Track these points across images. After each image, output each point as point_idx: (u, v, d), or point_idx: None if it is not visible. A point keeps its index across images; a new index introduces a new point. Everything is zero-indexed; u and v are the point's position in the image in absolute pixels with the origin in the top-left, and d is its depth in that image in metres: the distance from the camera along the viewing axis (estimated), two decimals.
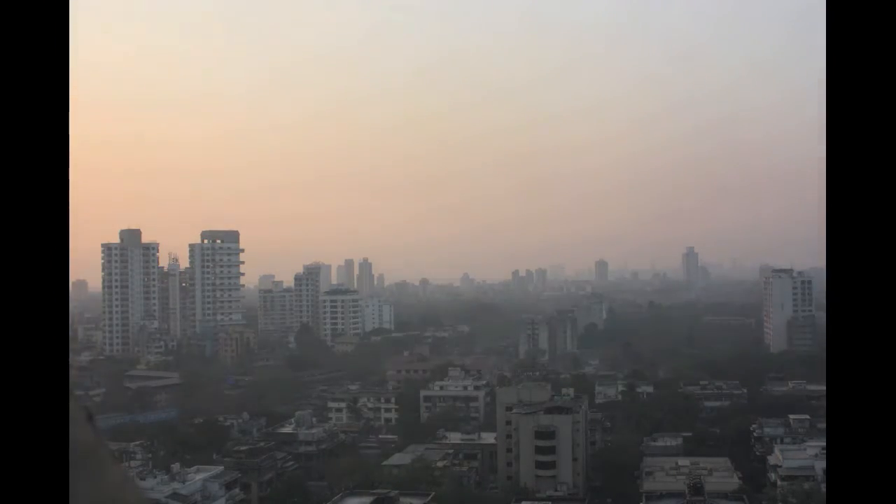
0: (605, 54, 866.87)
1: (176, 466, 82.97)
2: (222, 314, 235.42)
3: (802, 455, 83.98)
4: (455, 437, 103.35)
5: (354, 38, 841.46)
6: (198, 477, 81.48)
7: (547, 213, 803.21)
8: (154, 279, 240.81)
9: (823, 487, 61.57)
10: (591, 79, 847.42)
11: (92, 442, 2.39)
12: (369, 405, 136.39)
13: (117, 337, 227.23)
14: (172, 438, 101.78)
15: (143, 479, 76.63)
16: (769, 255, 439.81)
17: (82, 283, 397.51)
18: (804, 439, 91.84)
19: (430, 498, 75.95)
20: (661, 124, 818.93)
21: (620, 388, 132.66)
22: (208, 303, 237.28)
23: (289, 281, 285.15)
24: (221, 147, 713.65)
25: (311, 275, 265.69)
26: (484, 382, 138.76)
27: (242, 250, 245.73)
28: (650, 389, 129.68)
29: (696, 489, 72.83)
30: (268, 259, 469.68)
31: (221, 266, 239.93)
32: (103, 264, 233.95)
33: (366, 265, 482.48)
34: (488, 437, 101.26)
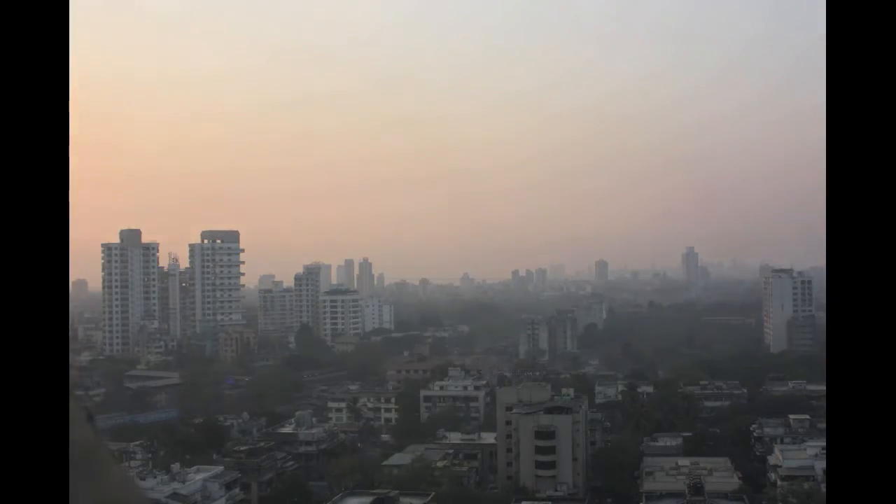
0: (603, 53, 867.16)
1: (176, 466, 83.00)
2: (222, 314, 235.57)
3: (802, 455, 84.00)
4: (455, 437, 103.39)
5: (353, 35, 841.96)
6: (198, 477, 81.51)
7: (547, 213, 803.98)
8: (154, 279, 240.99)
9: (823, 487, 61.63)
10: (591, 78, 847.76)
11: (92, 442, 2.39)
12: (369, 405, 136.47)
13: (117, 337, 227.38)
14: (172, 438, 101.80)
15: (143, 479, 76.64)
16: (769, 255, 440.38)
17: (82, 283, 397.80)
18: (804, 439, 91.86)
19: (430, 498, 75.97)
20: (661, 123, 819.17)
21: (620, 388, 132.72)
22: (208, 303, 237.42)
23: (289, 281, 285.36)
24: (221, 147, 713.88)
25: (311, 275, 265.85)
26: (484, 382, 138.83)
27: (242, 250, 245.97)
28: (650, 389, 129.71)
29: (696, 489, 72.85)
30: (268, 259, 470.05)
31: (221, 266, 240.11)
32: (103, 264, 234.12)
33: (366, 265, 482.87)
34: (488, 437, 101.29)
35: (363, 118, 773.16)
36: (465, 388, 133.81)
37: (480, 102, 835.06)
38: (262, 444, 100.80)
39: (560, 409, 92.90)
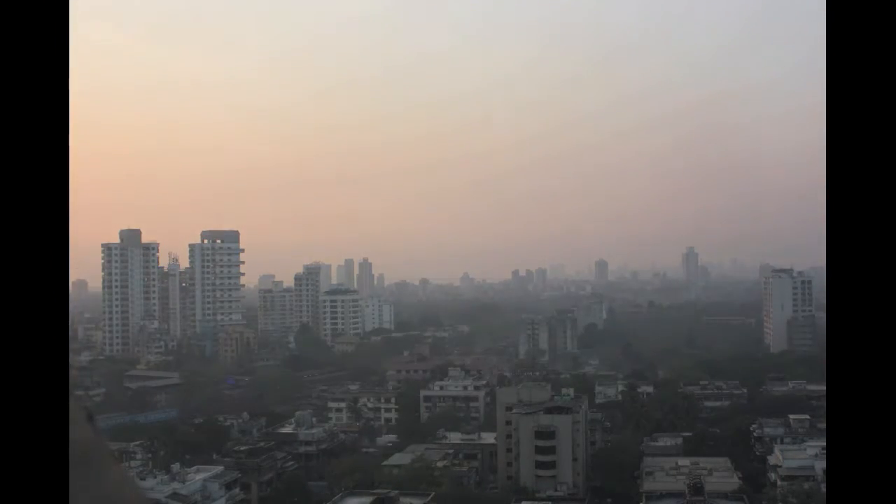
0: (604, 56, 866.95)
1: (176, 466, 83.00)
2: (222, 314, 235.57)
3: (802, 455, 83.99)
4: (455, 437, 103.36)
5: (355, 34, 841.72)
6: (198, 477, 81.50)
7: (547, 212, 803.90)
8: (154, 279, 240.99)
9: (823, 487, 61.61)
10: (592, 81, 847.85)
11: (92, 442, 2.39)
12: (369, 405, 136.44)
13: (117, 337, 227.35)
14: (172, 438, 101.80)
15: (143, 479, 76.63)
16: (769, 255, 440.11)
17: (82, 283, 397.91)
18: (804, 439, 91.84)
19: (430, 498, 75.96)
20: (661, 123, 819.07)
21: (620, 388, 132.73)
22: (208, 303, 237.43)
23: (289, 281, 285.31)
24: (222, 147, 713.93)
25: (311, 275, 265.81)
26: (484, 382, 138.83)
27: (242, 250, 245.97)
28: (650, 389, 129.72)
29: (696, 489, 72.83)
30: (268, 259, 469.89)
31: (221, 266, 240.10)
32: (103, 264, 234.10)
33: (366, 265, 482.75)
34: (488, 437, 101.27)
35: (363, 118, 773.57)
36: (465, 388, 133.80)
37: (480, 102, 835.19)
38: (262, 444, 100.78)
39: (560, 409, 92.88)
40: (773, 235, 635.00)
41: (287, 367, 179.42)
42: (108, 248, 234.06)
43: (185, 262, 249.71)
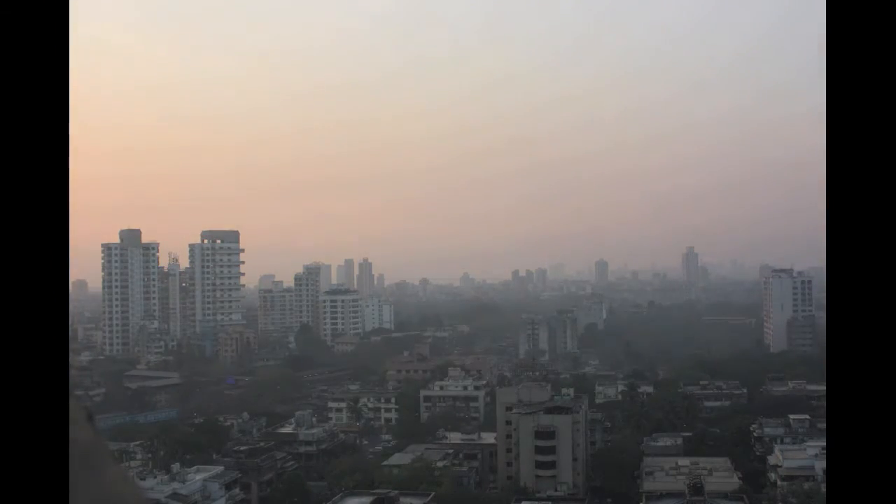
0: (602, 51, 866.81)
1: (176, 466, 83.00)
2: (222, 314, 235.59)
3: (802, 455, 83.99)
4: (455, 437, 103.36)
5: (356, 32, 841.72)
6: (198, 477, 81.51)
7: (547, 213, 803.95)
8: (154, 279, 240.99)
9: (823, 487, 61.63)
10: (590, 77, 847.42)
11: (92, 442, 2.39)
12: (369, 405, 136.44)
13: (117, 337, 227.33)
14: (172, 438, 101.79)
15: (143, 479, 76.65)
16: (769, 255, 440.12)
17: (82, 283, 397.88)
18: (804, 439, 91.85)
19: (430, 498, 75.97)
20: (661, 123, 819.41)
21: (620, 388, 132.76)
22: (208, 303, 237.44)
23: (289, 281, 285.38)
24: (222, 147, 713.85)
25: (311, 275, 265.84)
26: (484, 382, 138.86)
27: (242, 250, 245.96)
28: (650, 389, 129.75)
29: (696, 489, 72.81)
30: (268, 259, 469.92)
31: (221, 266, 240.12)
32: (103, 264, 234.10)
33: (366, 265, 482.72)
34: (488, 437, 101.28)
35: (363, 118, 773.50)
36: (465, 388, 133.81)
37: (480, 103, 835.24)
38: (262, 444, 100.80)
39: (560, 409, 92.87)
40: (773, 235, 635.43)
41: (287, 367, 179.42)
42: (108, 248, 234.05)
43: (185, 262, 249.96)
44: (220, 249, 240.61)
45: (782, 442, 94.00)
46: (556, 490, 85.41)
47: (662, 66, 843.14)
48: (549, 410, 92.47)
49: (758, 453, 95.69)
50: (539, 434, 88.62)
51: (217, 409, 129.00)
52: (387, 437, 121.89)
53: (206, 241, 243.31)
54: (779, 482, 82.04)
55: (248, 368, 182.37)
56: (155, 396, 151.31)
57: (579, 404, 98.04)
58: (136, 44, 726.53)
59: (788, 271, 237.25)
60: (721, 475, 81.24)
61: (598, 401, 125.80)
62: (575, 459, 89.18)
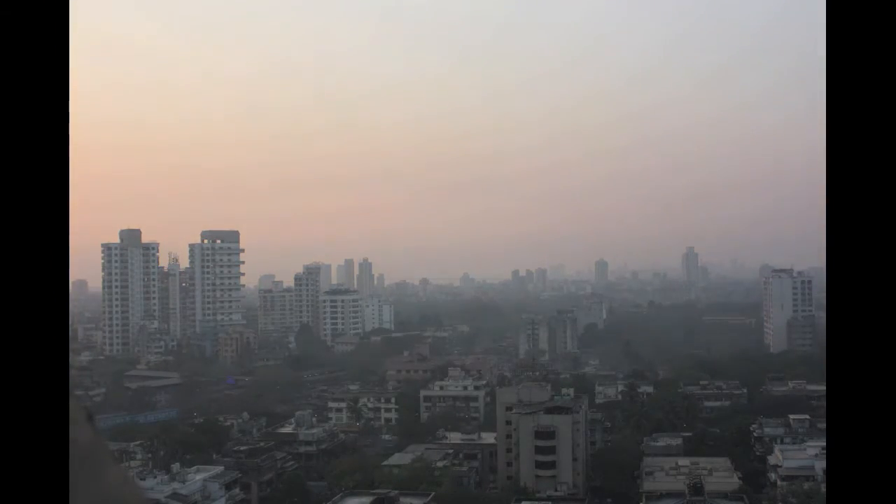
0: (601, 51, 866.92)
1: (176, 466, 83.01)
2: (222, 314, 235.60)
3: (802, 455, 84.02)
4: (455, 437, 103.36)
5: (359, 35, 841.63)
6: (198, 477, 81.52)
7: (547, 213, 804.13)
8: (154, 279, 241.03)
9: (823, 487, 61.61)
10: (590, 76, 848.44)
11: (92, 442, 2.39)
12: (369, 405, 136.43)
13: (117, 337, 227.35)
14: (172, 438, 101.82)
15: (143, 479, 76.65)
16: (769, 255, 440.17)
17: (82, 283, 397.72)
18: (804, 439, 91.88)
19: (430, 498, 75.97)
20: (661, 123, 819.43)
21: (620, 388, 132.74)
22: (208, 303, 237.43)
23: (289, 281, 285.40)
24: (222, 147, 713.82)
25: (311, 275, 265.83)
26: (484, 382, 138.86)
27: (242, 250, 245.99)
28: (650, 389, 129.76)
29: (696, 489, 72.81)
30: (268, 259, 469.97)
31: (221, 266, 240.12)
32: (103, 264, 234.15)
33: (366, 265, 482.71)
34: (488, 437, 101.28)
35: (364, 119, 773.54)
36: (465, 388, 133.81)
37: (477, 104, 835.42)
38: (262, 444, 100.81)
39: (560, 409, 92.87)
40: (773, 235, 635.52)
41: (287, 367, 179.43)
42: (108, 248, 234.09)
43: (185, 262, 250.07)
44: (220, 249, 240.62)
45: (782, 442, 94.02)
46: (556, 490, 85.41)
47: (662, 68, 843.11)
48: (549, 410, 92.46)
49: (758, 453, 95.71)
50: (539, 434, 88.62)
51: (217, 409, 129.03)
52: (387, 437, 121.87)
53: (206, 241, 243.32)
54: (779, 482, 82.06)
55: (248, 368, 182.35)
56: (155, 396, 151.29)
57: (579, 404, 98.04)
58: (137, 43, 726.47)
59: (788, 271, 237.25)
60: (721, 475, 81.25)
61: (598, 401, 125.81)
62: (575, 459, 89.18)
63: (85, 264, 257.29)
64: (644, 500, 75.56)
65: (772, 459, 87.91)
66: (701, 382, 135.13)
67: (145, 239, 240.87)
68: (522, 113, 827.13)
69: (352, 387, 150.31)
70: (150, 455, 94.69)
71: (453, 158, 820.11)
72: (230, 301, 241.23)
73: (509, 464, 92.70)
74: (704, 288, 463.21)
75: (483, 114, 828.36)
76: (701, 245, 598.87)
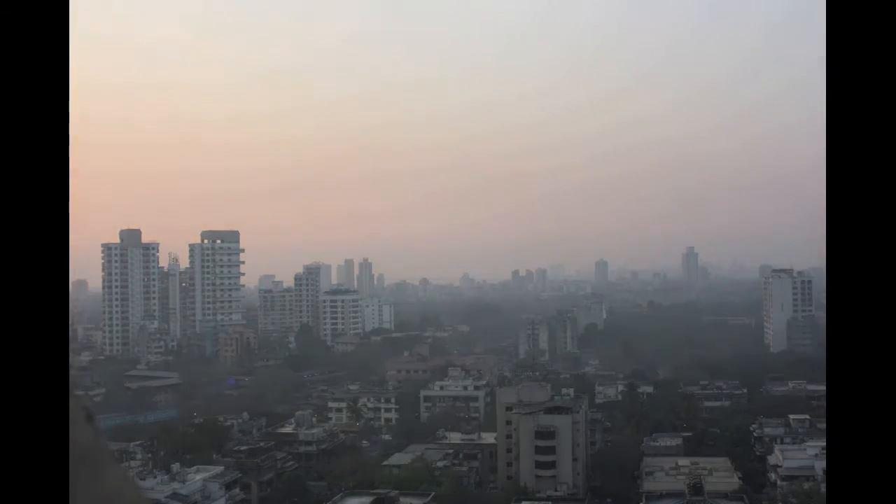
0: (603, 54, 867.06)
1: (176, 466, 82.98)
2: (222, 314, 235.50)
3: (802, 455, 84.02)
4: (455, 437, 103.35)
5: (359, 36, 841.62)
6: (198, 477, 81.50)
7: (547, 212, 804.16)
8: (154, 279, 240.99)
9: (823, 487, 61.59)
10: (591, 79, 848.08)
11: (92, 442, 2.39)
12: (369, 405, 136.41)
13: (117, 337, 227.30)
14: (172, 438, 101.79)
15: (143, 479, 76.62)
16: (769, 255, 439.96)
17: (82, 283, 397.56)
18: (804, 439, 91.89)
19: (430, 498, 75.97)
20: (662, 124, 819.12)
21: (620, 388, 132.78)
22: (208, 303, 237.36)
23: (289, 281, 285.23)
24: (222, 147, 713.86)
25: (311, 275, 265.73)
26: (484, 382, 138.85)
27: (242, 250, 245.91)
28: (650, 389, 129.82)
29: (696, 489, 72.82)
30: (268, 259, 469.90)
31: (221, 266, 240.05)
32: (103, 264, 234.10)
33: (366, 265, 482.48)
34: (488, 437, 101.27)
35: (364, 120, 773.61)
36: (465, 388, 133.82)
37: (477, 105, 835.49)
38: (262, 444, 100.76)
39: (560, 409, 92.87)
40: (773, 235, 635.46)
41: (287, 367, 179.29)
42: (108, 248, 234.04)
43: (185, 262, 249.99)
44: (220, 249, 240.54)
45: (782, 442, 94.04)
46: (556, 490, 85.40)
47: (664, 71, 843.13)
48: (549, 410, 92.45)
49: (758, 453, 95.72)
50: (539, 434, 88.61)
51: (217, 409, 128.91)
52: (387, 437, 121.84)
53: (206, 241, 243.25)
54: (779, 482, 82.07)
55: (248, 368, 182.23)
56: (155, 396, 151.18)
57: (579, 404, 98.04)
58: (138, 43, 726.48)
59: (788, 271, 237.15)
60: (721, 475, 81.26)
61: (598, 401, 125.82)
62: (575, 459, 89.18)
63: (85, 264, 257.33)
64: (644, 500, 75.56)
65: (772, 459, 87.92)
66: (701, 382, 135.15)
67: (145, 239, 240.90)
68: (523, 113, 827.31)
69: (352, 387, 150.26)
70: (150, 455, 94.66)
71: (453, 159, 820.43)
72: (230, 301, 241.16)
73: (509, 464, 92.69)
74: (704, 288, 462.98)
75: (483, 115, 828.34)
76: (701, 245, 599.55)
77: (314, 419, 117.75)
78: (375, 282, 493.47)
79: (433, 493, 77.33)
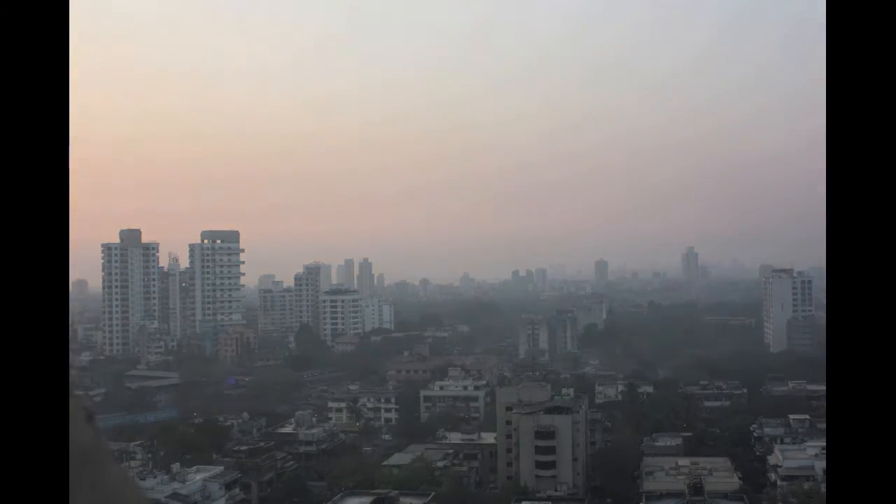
0: (606, 55, 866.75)
1: (176, 466, 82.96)
2: (222, 314, 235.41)
3: (802, 455, 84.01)
4: (455, 437, 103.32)
5: (357, 34, 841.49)
6: (198, 477, 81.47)
7: (547, 212, 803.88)
8: (154, 279, 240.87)
9: (823, 487, 61.60)
10: (592, 80, 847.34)
11: (92, 442, 2.39)
12: (369, 405, 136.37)
13: (117, 337, 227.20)
14: (172, 438, 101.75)
15: (143, 479, 76.59)
16: (769, 255, 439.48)
17: (82, 283, 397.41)
18: (804, 439, 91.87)
19: (430, 498, 75.95)
20: (662, 126, 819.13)
21: (620, 388, 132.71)
22: (208, 303, 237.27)
23: (289, 281, 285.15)
24: (222, 147, 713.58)
25: (311, 275, 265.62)
26: (484, 382, 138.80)
27: (242, 250, 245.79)
28: (650, 389, 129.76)
29: (696, 489, 72.79)
30: (268, 259, 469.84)
31: (221, 266, 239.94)
32: (103, 264, 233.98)
33: (366, 265, 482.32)
34: (488, 437, 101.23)
35: (364, 119, 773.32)
36: (465, 388, 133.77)
37: (482, 104, 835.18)
38: (262, 444, 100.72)
39: (560, 409, 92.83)
40: (773, 235, 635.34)
41: (287, 367, 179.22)
42: (108, 248, 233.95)
43: (185, 262, 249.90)
44: (220, 249, 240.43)
45: (782, 442, 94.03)
46: (556, 490, 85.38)
47: (665, 72, 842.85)
48: (549, 410, 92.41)
49: (758, 453, 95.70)
50: (539, 434, 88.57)
51: (217, 409, 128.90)
52: (387, 437, 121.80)
53: (206, 241, 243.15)
54: (779, 482, 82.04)
55: (248, 368, 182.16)
56: (155, 396, 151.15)
57: (579, 404, 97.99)
58: (138, 42, 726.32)
59: (788, 271, 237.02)
60: (721, 475, 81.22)
61: (598, 401, 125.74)
62: (575, 459, 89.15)
63: (85, 264, 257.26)
64: (644, 500, 75.53)
65: (772, 459, 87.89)
66: (701, 382, 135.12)
67: (145, 239, 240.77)
68: (522, 114, 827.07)
69: (352, 387, 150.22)
70: (150, 455, 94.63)
71: (453, 159, 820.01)
72: (230, 301, 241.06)
73: (509, 464, 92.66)
74: (704, 288, 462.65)
75: (483, 115, 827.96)
76: (701, 245, 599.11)
77: (314, 419, 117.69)
78: (375, 282, 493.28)
79: (433, 493, 77.32)
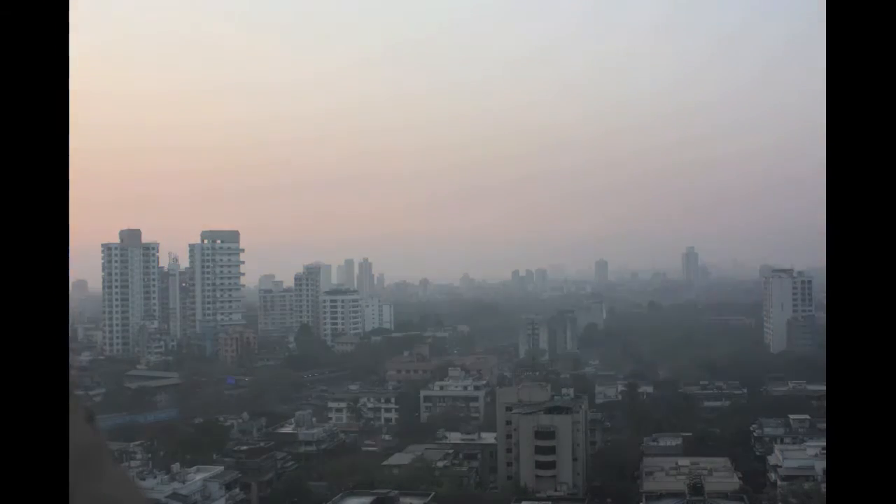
0: (605, 55, 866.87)
1: (176, 466, 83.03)
2: (222, 314, 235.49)
3: (802, 455, 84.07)
4: (455, 437, 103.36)
5: (360, 42, 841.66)
6: (198, 477, 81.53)
7: (547, 212, 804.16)
8: (154, 279, 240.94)
9: (823, 487, 61.61)
10: (592, 80, 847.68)
11: (92, 442, 2.39)
12: (369, 405, 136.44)
13: (117, 337, 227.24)
14: (172, 438, 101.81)
15: (143, 479, 76.65)
16: (769, 255, 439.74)
17: (82, 283, 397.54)
18: (804, 439, 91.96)
19: (430, 498, 76.02)
20: (662, 125, 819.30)
21: (620, 388, 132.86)
22: (208, 303, 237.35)
23: (289, 281, 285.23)
24: (222, 147, 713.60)
25: (311, 275, 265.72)
26: (484, 382, 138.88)
27: (242, 250, 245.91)
28: (650, 389, 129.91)
29: (696, 489, 72.86)
30: (268, 259, 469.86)
31: (221, 266, 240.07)
32: (103, 264, 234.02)
33: (366, 265, 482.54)
34: (488, 437, 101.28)
35: (364, 120, 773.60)
36: (465, 388, 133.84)
37: (476, 105, 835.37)
38: (262, 444, 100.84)
39: (560, 409, 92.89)
40: (773, 235, 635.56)
41: (287, 367, 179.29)
42: (108, 248, 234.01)
43: (185, 262, 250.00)
44: (220, 249, 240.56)
45: (782, 442, 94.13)
46: (556, 490, 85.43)
47: (666, 78, 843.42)
48: (549, 410, 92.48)
49: (758, 453, 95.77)
50: (539, 434, 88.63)
51: (217, 409, 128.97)
52: (387, 437, 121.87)
53: (206, 241, 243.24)
54: (779, 482, 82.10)
55: (248, 368, 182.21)
56: (155, 396, 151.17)
57: (579, 404, 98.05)
58: (138, 42, 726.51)
59: (788, 271, 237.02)
60: (721, 475, 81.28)
61: (598, 401, 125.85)
62: (575, 459, 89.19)
63: (85, 264, 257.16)
64: (644, 500, 75.59)
65: (772, 459, 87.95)
66: (701, 382, 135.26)
67: (145, 239, 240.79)
68: (522, 114, 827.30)
69: (352, 387, 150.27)
70: (150, 455, 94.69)
71: (453, 159, 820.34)
72: (230, 301, 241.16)
73: (509, 464, 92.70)
74: (704, 288, 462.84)
75: (483, 115, 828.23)
76: (701, 245, 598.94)
77: (314, 419, 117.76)
78: (375, 282, 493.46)
79: (433, 493, 77.39)
